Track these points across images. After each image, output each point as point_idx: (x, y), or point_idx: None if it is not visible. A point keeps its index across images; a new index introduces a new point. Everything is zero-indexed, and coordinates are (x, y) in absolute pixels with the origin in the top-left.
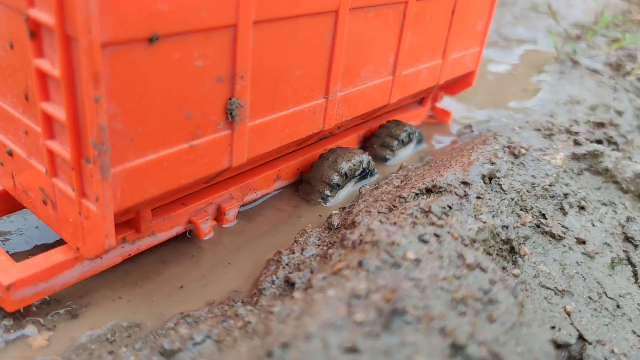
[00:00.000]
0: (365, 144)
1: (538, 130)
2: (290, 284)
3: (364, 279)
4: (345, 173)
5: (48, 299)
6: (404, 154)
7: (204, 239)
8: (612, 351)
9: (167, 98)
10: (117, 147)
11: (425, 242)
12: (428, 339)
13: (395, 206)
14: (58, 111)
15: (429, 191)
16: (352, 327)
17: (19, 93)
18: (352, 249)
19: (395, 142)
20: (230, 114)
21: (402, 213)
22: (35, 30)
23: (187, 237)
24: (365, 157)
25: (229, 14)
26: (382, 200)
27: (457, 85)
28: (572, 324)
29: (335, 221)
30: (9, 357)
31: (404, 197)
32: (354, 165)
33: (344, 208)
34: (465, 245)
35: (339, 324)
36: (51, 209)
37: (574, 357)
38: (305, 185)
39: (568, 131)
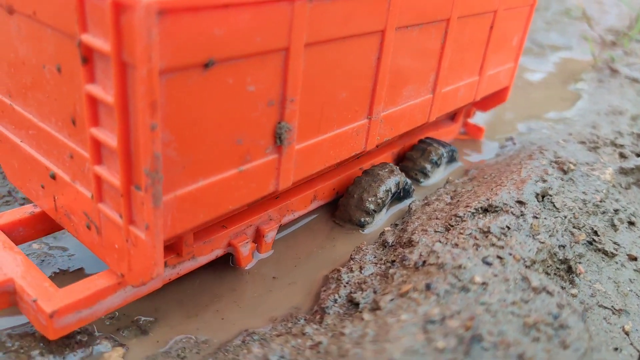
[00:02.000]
0: (400, 162)
1: (583, 143)
2: (354, 304)
3: (435, 303)
4: (373, 210)
5: (117, 314)
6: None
7: (246, 268)
8: None
9: (220, 124)
10: (170, 174)
11: (489, 264)
12: None
13: (452, 225)
14: (109, 137)
15: (485, 210)
16: (434, 354)
17: (66, 117)
18: (414, 270)
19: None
20: (279, 137)
21: (461, 233)
22: (88, 56)
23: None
24: (393, 181)
25: (282, 37)
26: (437, 218)
27: (490, 101)
28: (631, 344)
29: (390, 239)
30: None
31: (460, 216)
32: (381, 199)
33: (396, 225)
34: (527, 266)
35: (421, 352)
36: (95, 234)
37: None
38: (337, 225)
39: (613, 144)
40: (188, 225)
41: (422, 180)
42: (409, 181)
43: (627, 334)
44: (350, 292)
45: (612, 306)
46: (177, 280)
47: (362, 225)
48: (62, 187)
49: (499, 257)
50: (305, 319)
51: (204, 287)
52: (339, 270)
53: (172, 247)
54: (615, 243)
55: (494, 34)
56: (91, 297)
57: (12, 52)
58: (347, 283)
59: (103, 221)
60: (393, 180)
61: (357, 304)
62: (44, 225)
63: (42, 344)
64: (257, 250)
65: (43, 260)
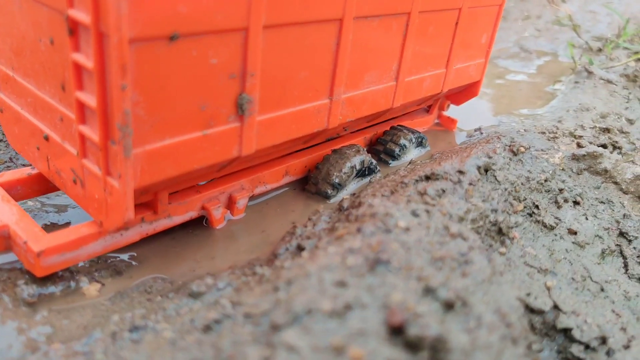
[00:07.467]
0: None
1: (543, 133)
2: (301, 249)
3: (360, 239)
4: (338, 183)
5: (97, 259)
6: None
7: (217, 227)
8: (585, 321)
9: (185, 90)
10: (139, 131)
11: (416, 215)
12: (405, 282)
13: (396, 190)
14: (90, 99)
15: (427, 178)
16: (343, 269)
17: (57, 84)
18: (354, 222)
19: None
20: (241, 107)
21: (401, 195)
22: (74, 28)
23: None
24: (359, 159)
25: (241, 18)
26: (387, 186)
27: (462, 94)
28: (549, 296)
29: (346, 204)
30: (67, 302)
31: (405, 183)
32: (345, 174)
33: (354, 194)
34: (452, 220)
35: (333, 267)
36: (80, 188)
37: (547, 323)
38: (307, 196)
39: (572, 135)
40: (156, 178)
41: (390, 161)
42: (373, 161)
43: (548, 288)
44: (300, 241)
45: (540, 266)
46: (154, 236)
47: (327, 197)
48: (54, 148)
49: (427, 210)
50: (260, 265)
51: (177, 241)
52: (295, 226)
53: (149, 205)
54: (556, 218)
55: (459, 30)
56: (75, 242)
57: (15, 28)
58: (299, 235)
59: (86, 175)
60: (358, 158)
61: (303, 249)
62: (39, 186)
63: (27, 276)
64: (230, 213)
65: (36, 214)
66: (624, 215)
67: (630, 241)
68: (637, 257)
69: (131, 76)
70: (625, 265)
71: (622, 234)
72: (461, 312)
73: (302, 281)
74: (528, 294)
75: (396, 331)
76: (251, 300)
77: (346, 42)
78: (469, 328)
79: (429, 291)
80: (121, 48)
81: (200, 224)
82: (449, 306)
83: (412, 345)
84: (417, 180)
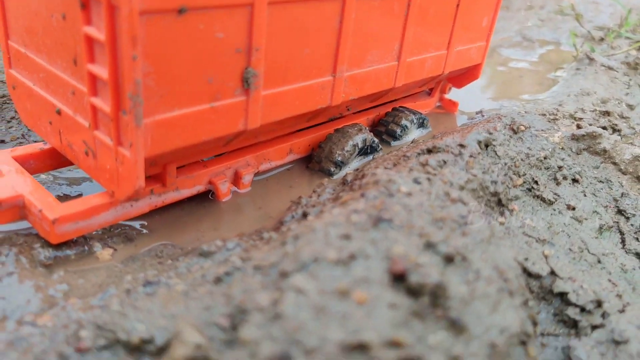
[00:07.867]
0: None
1: (543, 115)
2: (306, 216)
3: (363, 202)
4: (341, 161)
5: (109, 227)
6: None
7: (223, 200)
8: (581, 286)
9: (192, 62)
10: (149, 101)
11: (418, 183)
12: (407, 238)
13: (399, 162)
14: (102, 71)
15: (429, 151)
16: (348, 224)
17: (69, 59)
18: (358, 189)
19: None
20: (246, 81)
21: (404, 166)
22: (85, 2)
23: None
24: (361, 138)
25: None
26: (390, 160)
27: (463, 77)
28: (547, 263)
29: (349, 178)
30: (82, 265)
31: (407, 156)
32: (348, 152)
33: (357, 169)
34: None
35: (338, 223)
36: (92, 159)
37: (545, 287)
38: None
39: (572, 117)
40: (166, 148)
41: (392, 142)
42: (375, 139)
43: (545, 256)
44: (305, 209)
45: (538, 237)
46: (164, 207)
47: (330, 174)
48: (66, 121)
49: (428, 179)
50: (267, 231)
51: (186, 211)
52: (300, 197)
53: (158, 178)
54: (555, 194)
55: (460, 12)
56: (87, 211)
57: (27, 7)
58: (305, 205)
59: (98, 146)
60: (360, 136)
61: (308, 215)
62: (52, 161)
63: (43, 240)
64: (236, 188)
65: (49, 187)
66: (622, 194)
67: (628, 218)
68: (635, 233)
69: (141, 47)
70: (623, 241)
71: (620, 212)
72: (460, 265)
73: (308, 235)
74: (526, 259)
75: (398, 279)
76: (260, 255)
77: (349, 20)
78: (467, 280)
79: (429, 246)
80: (132, 19)
81: (208, 196)
82: (449, 259)
83: (414, 292)
84: (419, 154)
